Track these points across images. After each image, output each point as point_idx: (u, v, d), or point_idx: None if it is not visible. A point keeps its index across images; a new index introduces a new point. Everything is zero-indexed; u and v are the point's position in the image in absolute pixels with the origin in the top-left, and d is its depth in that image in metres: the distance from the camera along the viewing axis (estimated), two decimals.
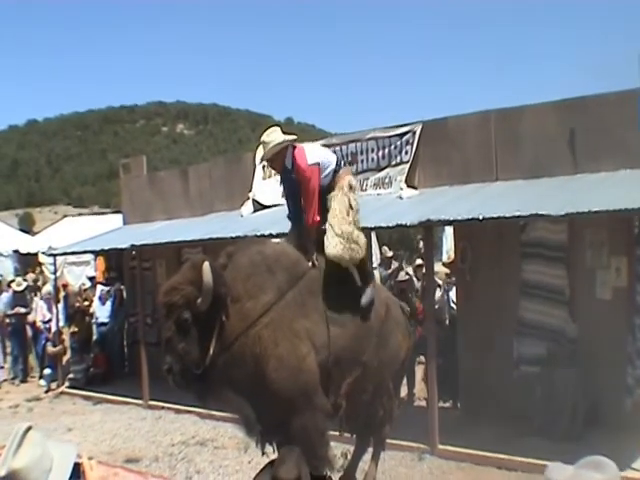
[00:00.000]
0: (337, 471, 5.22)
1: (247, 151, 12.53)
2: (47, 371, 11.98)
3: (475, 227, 7.29)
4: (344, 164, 5.41)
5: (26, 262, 17.31)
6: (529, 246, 7.95)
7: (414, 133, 8.71)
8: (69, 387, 11.72)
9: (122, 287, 12.96)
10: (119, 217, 13.81)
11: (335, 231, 4.66)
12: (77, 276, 16.54)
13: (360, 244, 4.72)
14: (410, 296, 9.05)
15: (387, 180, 8.94)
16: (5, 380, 12.81)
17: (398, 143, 8.84)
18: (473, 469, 6.70)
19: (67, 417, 9.92)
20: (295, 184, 4.89)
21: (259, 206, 10.27)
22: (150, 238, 10.44)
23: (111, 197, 58.16)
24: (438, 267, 10.40)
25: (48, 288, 13.26)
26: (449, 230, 11.51)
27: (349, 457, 5.85)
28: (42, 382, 12.08)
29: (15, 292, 12.90)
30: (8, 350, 13.13)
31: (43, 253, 14.48)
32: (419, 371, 9.13)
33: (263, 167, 10.15)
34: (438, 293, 9.28)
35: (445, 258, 12.42)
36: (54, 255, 12.24)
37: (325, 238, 4.69)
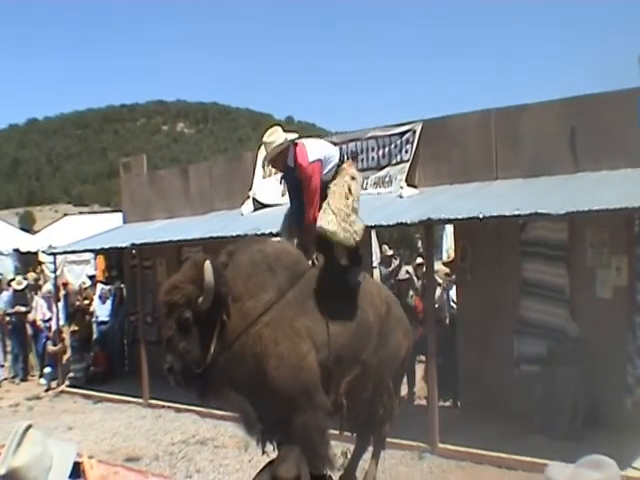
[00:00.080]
0: (337, 470, 5.20)
1: (247, 150, 12.56)
2: (47, 370, 11.98)
3: (475, 226, 7.28)
4: (347, 158, 5.37)
5: (26, 261, 17.29)
6: (529, 245, 7.95)
7: (414, 132, 8.71)
8: (69, 386, 11.71)
9: (122, 286, 12.97)
10: (119, 216, 13.78)
11: (332, 208, 4.64)
12: (77, 275, 16.57)
13: (355, 229, 4.68)
14: (410, 295, 9.04)
15: (387, 179, 8.94)
16: (5, 379, 12.80)
17: (398, 142, 8.84)
18: (473, 468, 6.69)
19: (67, 416, 9.91)
20: (297, 182, 4.88)
21: (259, 205, 10.27)
22: (150, 237, 10.43)
23: (111, 196, 58.21)
24: (438, 266, 10.39)
25: (48, 287, 13.27)
26: (449, 229, 11.52)
27: (349, 456, 5.83)
28: (42, 381, 12.08)
29: (15, 291, 12.90)
30: (8, 349, 13.12)
31: (43, 252, 14.44)
32: (419, 370, 9.11)
33: (263, 166, 10.16)
34: (438, 292, 9.28)
35: (445, 257, 12.40)
36: (54, 254, 12.22)
37: (320, 213, 4.66)
